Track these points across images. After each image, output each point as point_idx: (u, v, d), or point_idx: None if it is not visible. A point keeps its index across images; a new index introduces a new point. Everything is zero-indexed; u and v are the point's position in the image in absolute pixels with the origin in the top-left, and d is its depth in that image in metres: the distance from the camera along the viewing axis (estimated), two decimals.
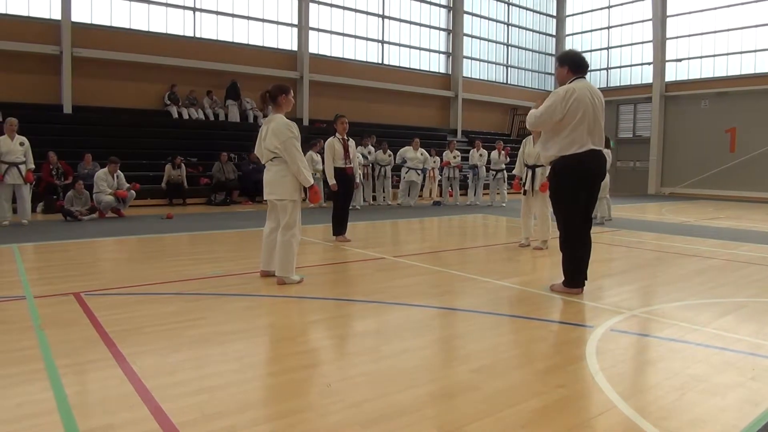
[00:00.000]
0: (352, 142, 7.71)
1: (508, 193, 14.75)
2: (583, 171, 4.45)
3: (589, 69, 4.67)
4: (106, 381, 2.72)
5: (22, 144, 9.12)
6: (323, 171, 8.40)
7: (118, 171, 10.65)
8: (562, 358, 3.20)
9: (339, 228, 7.61)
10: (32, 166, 9.27)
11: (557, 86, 4.66)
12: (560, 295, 4.60)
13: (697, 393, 2.67)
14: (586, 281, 4.68)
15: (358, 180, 8.61)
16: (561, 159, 4.47)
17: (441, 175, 15.21)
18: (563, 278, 4.71)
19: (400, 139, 15.07)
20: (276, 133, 4.78)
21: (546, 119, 4.46)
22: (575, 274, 4.60)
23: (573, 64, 4.55)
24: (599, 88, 4.96)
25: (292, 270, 4.89)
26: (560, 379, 2.82)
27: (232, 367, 2.93)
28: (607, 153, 10.80)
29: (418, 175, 14.06)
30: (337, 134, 7.53)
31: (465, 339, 3.54)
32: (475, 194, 14.93)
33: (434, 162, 15.28)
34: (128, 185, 10.79)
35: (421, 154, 14.12)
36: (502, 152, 14.22)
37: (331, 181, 7.44)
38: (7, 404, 2.44)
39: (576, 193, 4.49)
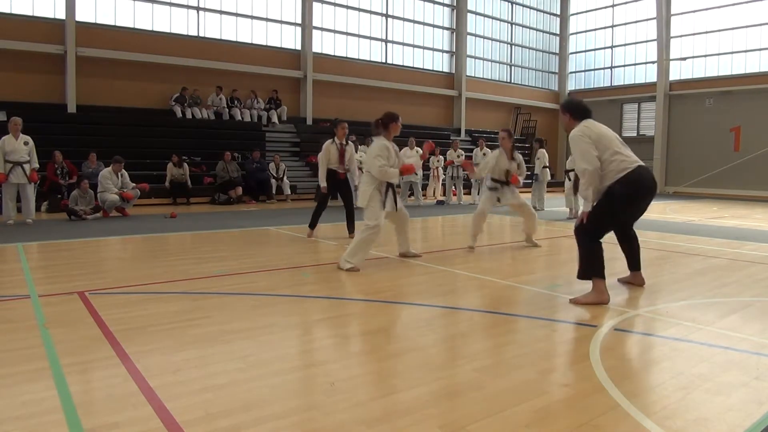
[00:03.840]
0: (350, 147, 7.96)
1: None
2: (642, 186, 4.37)
3: (592, 113, 4.59)
4: (110, 379, 2.73)
5: (26, 143, 9.15)
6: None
7: (123, 170, 10.68)
8: (566, 357, 3.19)
9: (315, 222, 7.87)
10: (36, 165, 9.30)
11: (566, 130, 4.63)
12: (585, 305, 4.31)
13: (702, 392, 2.66)
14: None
15: (357, 182, 8.77)
16: (618, 183, 4.31)
17: (444, 175, 15.21)
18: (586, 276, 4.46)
19: (404, 139, 15.06)
20: (369, 152, 5.81)
21: (592, 161, 4.30)
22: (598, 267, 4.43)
23: (575, 112, 4.57)
24: (603, 87, 4.96)
25: (354, 259, 5.60)
26: (564, 379, 2.82)
27: (237, 365, 2.93)
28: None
29: (415, 174, 14.05)
30: (335, 138, 7.74)
31: (469, 338, 3.53)
32: (478, 193, 14.90)
33: (438, 161, 15.28)
34: (133, 185, 10.82)
35: (417, 152, 14.12)
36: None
37: (323, 183, 7.74)
38: (11, 402, 2.45)
39: (625, 210, 4.46)
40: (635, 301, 4.49)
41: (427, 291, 4.82)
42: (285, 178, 14.81)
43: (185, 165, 13.45)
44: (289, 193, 14.73)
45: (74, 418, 2.29)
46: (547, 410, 2.45)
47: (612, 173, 4.31)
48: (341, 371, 2.89)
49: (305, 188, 15.48)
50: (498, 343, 3.39)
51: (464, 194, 15.31)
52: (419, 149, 14.22)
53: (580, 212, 4.41)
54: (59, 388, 2.59)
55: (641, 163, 4.42)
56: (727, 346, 3.37)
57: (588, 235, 4.43)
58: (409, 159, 6.31)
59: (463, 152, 14.93)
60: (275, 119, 17.23)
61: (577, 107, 4.61)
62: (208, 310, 4.03)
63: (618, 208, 4.41)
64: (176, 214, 10.56)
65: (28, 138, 9.24)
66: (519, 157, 7.36)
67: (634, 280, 4.95)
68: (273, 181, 14.56)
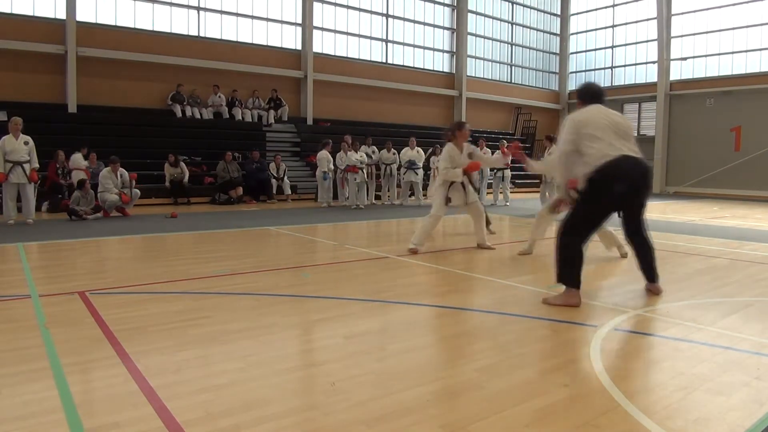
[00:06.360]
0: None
1: (510, 193, 14.79)
2: (621, 177, 4.02)
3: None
4: (110, 379, 2.73)
5: (26, 143, 9.16)
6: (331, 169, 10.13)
7: (121, 169, 10.68)
8: (566, 357, 3.19)
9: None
10: (37, 165, 9.30)
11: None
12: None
13: (702, 392, 2.66)
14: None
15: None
16: (593, 173, 4.03)
17: None
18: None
19: (404, 138, 15.09)
20: (442, 156, 6.80)
21: (563, 145, 4.22)
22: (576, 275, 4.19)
23: (583, 96, 4.46)
24: (603, 87, 4.88)
25: (419, 241, 6.61)
26: (564, 379, 2.81)
27: (237, 365, 2.94)
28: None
29: (416, 174, 14.08)
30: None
31: (469, 338, 3.53)
32: (479, 194, 14.92)
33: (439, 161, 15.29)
34: (130, 180, 10.82)
35: (417, 152, 14.15)
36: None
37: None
38: (12, 402, 2.45)
39: (601, 204, 4.14)
40: (635, 301, 4.48)
41: (427, 291, 4.82)
42: (285, 178, 14.81)
43: (181, 164, 13.45)
44: (290, 193, 14.73)
45: (75, 418, 2.29)
46: (547, 410, 2.45)
47: (591, 160, 4.01)
48: (341, 371, 2.89)
49: (306, 188, 15.48)
50: (498, 343, 3.39)
51: None
52: (419, 149, 14.27)
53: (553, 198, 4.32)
54: (60, 388, 2.59)
55: (631, 154, 4.06)
56: (728, 346, 3.36)
57: (564, 236, 4.14)
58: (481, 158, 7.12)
59: None
60: (272, 119, 17.19)
61: (584, 91, 4.48)
62: (208, 310, 4.03)
63: (592, 201, 4.07)
64: (177, 214, 10.56)
65: (29, 138, 9.24)
66: None
67: (652, 289, 4.64)
68: (273, 181, 14.56)
